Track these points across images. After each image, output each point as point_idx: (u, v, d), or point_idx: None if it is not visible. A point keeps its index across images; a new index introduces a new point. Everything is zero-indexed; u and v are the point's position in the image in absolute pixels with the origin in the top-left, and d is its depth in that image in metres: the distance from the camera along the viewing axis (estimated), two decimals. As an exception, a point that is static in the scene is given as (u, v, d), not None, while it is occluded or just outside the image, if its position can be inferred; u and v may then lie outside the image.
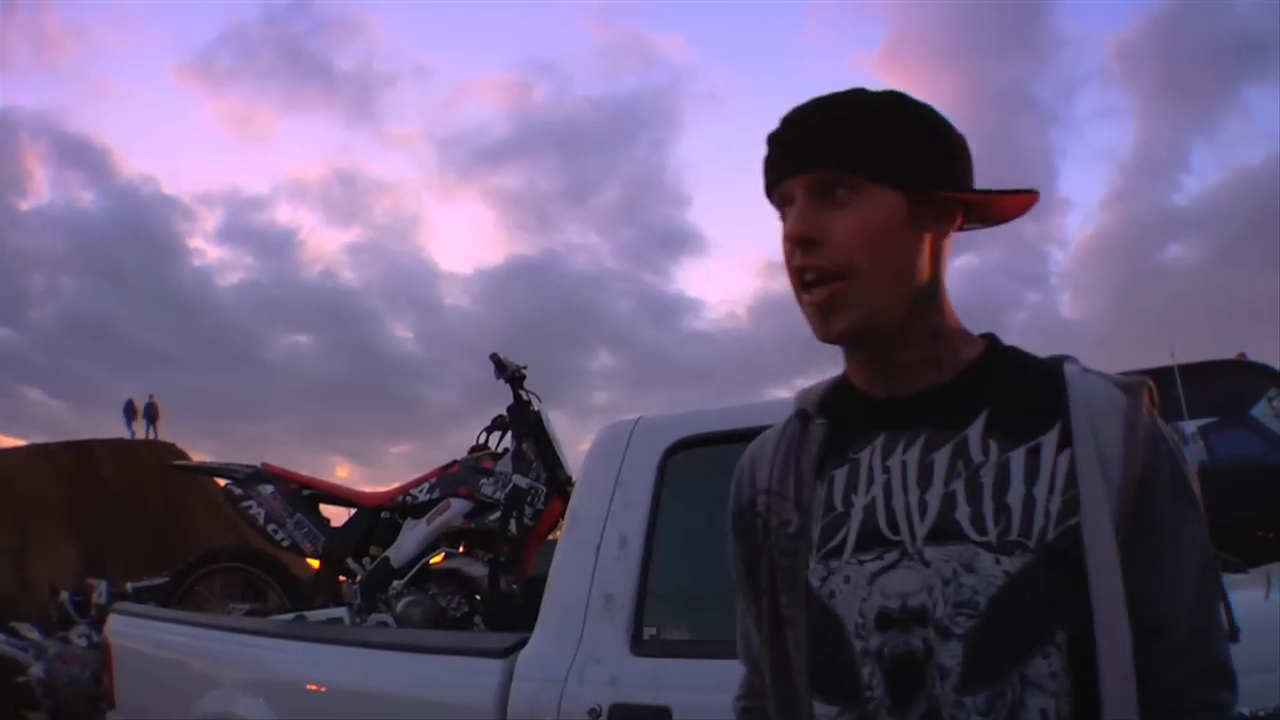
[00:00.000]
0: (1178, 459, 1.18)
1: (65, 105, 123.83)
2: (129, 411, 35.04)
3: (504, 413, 4.82)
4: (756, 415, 2.80)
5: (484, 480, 4.62)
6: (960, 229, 1.31)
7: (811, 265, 1.21)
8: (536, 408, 4.81)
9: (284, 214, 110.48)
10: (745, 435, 2.68)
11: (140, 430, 34.62)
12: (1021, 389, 1.21)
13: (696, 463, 2.78)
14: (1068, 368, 1.22)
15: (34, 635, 10.58)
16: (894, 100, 1.26)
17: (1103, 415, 1.16)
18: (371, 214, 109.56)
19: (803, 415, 1.34)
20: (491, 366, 4.82)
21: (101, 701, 4.26)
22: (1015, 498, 1.14)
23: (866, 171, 1.20)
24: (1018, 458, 1.16)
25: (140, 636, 4.12)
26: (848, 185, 1.20)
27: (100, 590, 10.55)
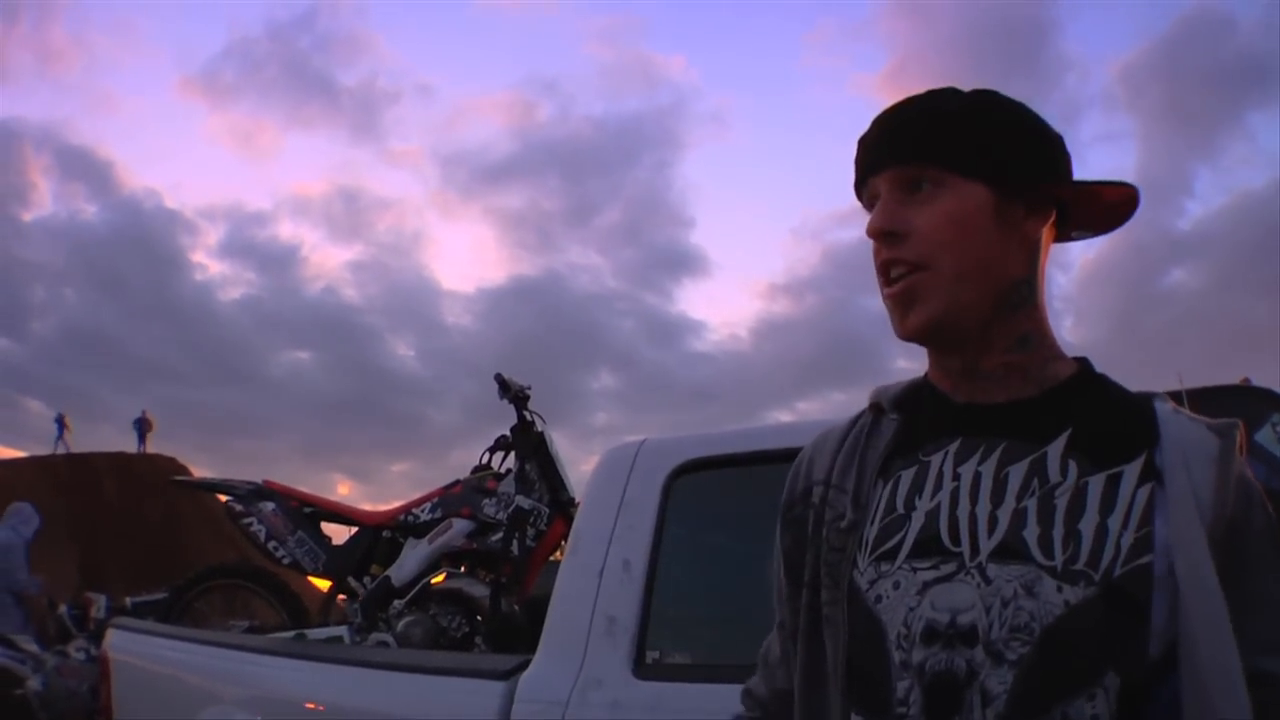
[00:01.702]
0: (1268, 508, 1.14)
1: (69, 117, 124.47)
2: (140, 425, 35.02)
3: (507, 433, 4.80)
4: (762, 439, 2.81)
5: (486, 500, 4.61)
6: (1070, 238, 1.29)
7: (895, 258, 1.19)
8: (540, 428, 4.79)
9: (286, 230, 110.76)
10: (750, 459, 2.71)
11: (133, 445, 34.63)
12: (1109, 415, 1.17)
13: (701, 486, 2.77)
14: (1158, 404, 1.18)
15: (32, 648, 10.52)
16: (981, 95, 1.24)
17: (1195, 457, 1.11)
18: (374, 231, 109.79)
19: (876, 409, 1.31)
20: (495, 387, 4.81)
21: (99, 716, 4.24)
22: (1088, 525, 1.09)
23: (950, 164, 1.18)
24: (1096, 484, 1.11)
25: (138, 651, 4.09)
26: (931, 179, 1.19)
27: (99, 604, 10.50)
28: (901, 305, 1.20)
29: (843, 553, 1.20)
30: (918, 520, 1.16)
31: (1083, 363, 1.26)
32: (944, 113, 1.22)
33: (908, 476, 1.20)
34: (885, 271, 1.21)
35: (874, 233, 1.21)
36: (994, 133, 1.21)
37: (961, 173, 1.18)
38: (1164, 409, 1.18)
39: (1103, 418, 1.17)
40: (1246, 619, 1.06)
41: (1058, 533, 1.09)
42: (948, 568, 1.12)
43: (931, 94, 1.25)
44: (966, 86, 1.26)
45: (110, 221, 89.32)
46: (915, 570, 1.14)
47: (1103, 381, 1.24)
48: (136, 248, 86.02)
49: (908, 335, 1.21)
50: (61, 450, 33.98)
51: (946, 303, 1.17)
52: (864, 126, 1.29)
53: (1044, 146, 1.24)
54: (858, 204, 1.27)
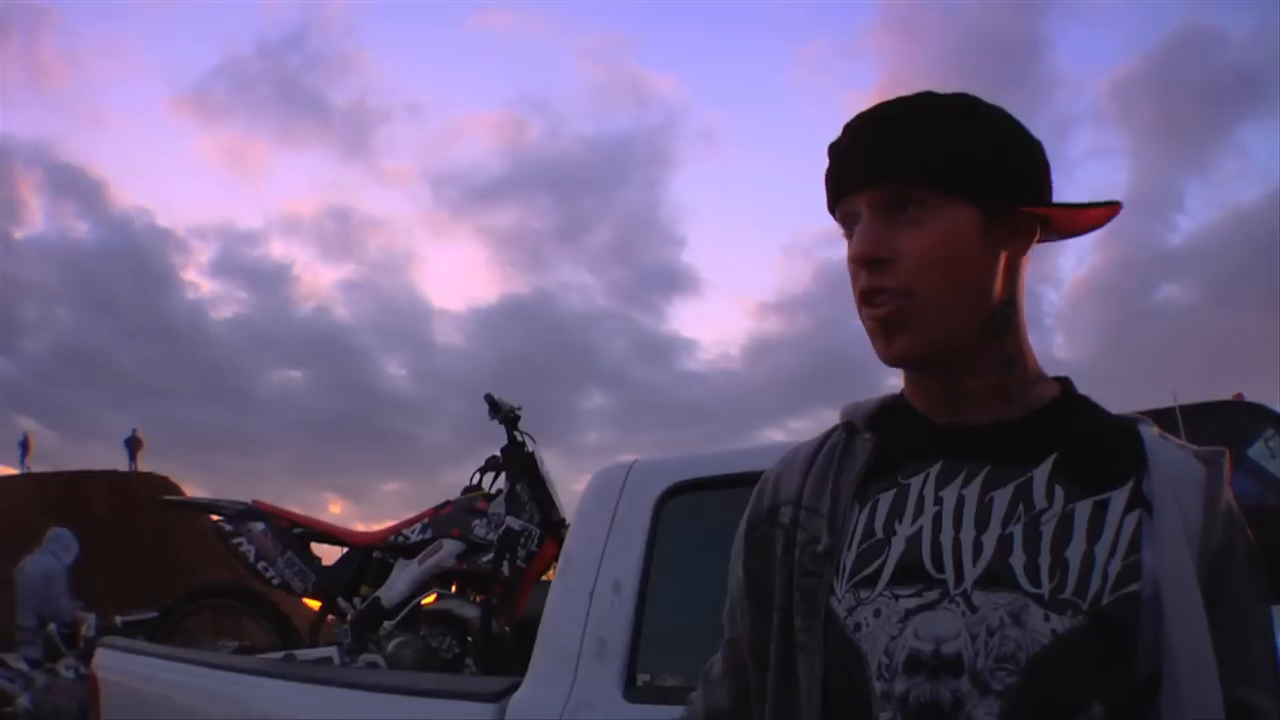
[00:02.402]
0: (1249, 537, 1.12)
1: (60, 135, 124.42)
2: (130, 444, 34.94)
3: (498, 453, 4.80)
4: (752, 460, 2.79)
5: (477, 521, 4.60)
6: (1038, 241, 1.22)
7: (878, 286, 1.13)
8: (531, 449, 4.79)
9: (278, 249, 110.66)
10: (741, 480, 2.68)
11: (124, 463, 34.56)
12: (1095, 440, 1.14)
13: (692, 507, 2.75)
14: (1144, 429, 1.15)
15: (21, 666, 10.49)
16: (965, 105, 1.18)
17: (1183, 484, 1.09)
18: (365, 250, 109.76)
19: (849, 428, 1.26)
20: (486, 407, 4.81)
21: (87, 736, 4.22)
22: (1075, 553, 1.05)
23: (938, 185, 1.12)
24: (1083, 510, 1.08)
25: (128, 671, 4.07)
26: (918, 200, 1.13)
27: (89, 622, 10.44)
28: (885, 330, 1.15)
29: (819, 578, 1.16)
30: (898, 545, 1.12)
31: (1065, 383, 1.22)
32: (927, 126, 1.15)
33: (886, 500, 1.16)
34: (867, 298, 1.15)
35: (858, 259, 1.14)
36: (981, 149, 1.15)
37: (949, 192, 1.13)
38: (1150, 434, 1.15)
39: (1089, 442, 1.14)
40: (1227, 648, 1.04)
41: (1044, 560, 1.06)
42: (931, 595, 1.08)
43: (908, 101, 1.19)
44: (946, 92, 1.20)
45: (102, 240, 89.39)
46: (897, 598, 1.10)
47: (1086, 404, 1.21)
48: (128, 266, 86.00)
49: (893, 361, 1.17)
50: (22, 471, 33.96)
51: (934, 331, 1.13)
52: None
53: (1031, 164, 1.19)
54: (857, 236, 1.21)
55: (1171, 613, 1.03)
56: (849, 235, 1.18)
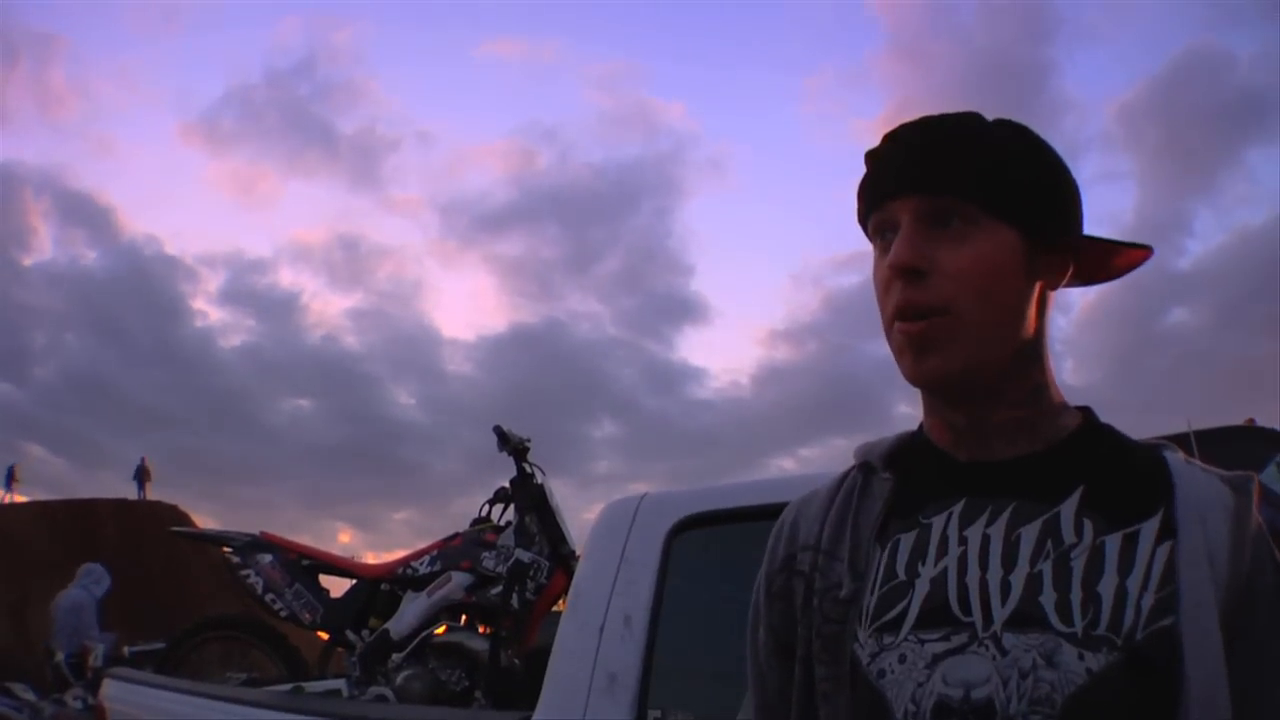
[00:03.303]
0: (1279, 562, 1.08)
1: (69, 162, 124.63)
2: (139, 475, 34.89)
3: (506, 485, 4.79)
4: (764, 492, 2.78)
5: (486, 553, 4.58)
6: (1066, 284, 1.20)
7: (914, 300, 1.10)
8: (540, 480, 4.78)
9: (286, 277, 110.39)
10: (752, 513, 2.68)
11: (133, 492, 34.50)
12: (1121, 470, 1.11)
13: (703, 541, 2.74)
14: (1169, 455, 1.12)
15: (29, 696, 10.48)
16: (1018, 132, 1.16)
17: (1210, 511, 1.05)
18: (374, 279, 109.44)
19: (866, 469, 1.23)
20: (495, 438, 4.80)
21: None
22: (1107, 588, 1.02)
23: (988, 204, 1.10)
24: (1113, 543, 1.04)
25: (135, 702, 4.06)
26: (964, 215, 1.10)
27: (97, 653, 10.45)
28: (915, 348, 1.11)
29: (841, 625, 1.12)
30: (922, 588, 1.09)
31: (1086, 413, 1.20)
32: (980, 143, 1.13)
33: (907, 541, 1.13)
34: (902, 312, 1.11)
35: (897, 267, 1.10)
36: (1033, 175, 1.14)
37: (997, 215, 1.10)
38: (1176, 461, 1.12)
39: (1115, 473, 1.11)
40: (1256, 677, 1.02)
41: (1076, 597, 1.02)
42: (959, 639, 1.05)
43: (960, 118, 1.17)
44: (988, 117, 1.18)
45: (110, 267, 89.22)
46: (923, 642, 1.06)
47: (1110, 433, 1.18)
48: (137, 294, 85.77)
49: (920, 381, 1.14)
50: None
51: (967, 354, 1.10)
52: (863, 171, 1.20)
53: (1072, 198, 1.17)
54: (858, 249, 1.17)
55: (1187, 647, 1.00)
56: (881, 247, 1.15)
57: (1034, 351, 1.15)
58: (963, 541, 1.10)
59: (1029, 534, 1.07)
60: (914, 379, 1.14)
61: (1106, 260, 1.21)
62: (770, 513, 2.54)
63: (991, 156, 1.12)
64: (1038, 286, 1.15)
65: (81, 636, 9.58)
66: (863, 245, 1.21)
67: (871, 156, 1.19)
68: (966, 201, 1.10)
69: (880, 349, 1.16)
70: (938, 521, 1.12)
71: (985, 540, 1.09)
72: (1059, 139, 1.20)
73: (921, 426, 1.23)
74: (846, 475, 1.26)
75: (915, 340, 1.11)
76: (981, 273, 1.09)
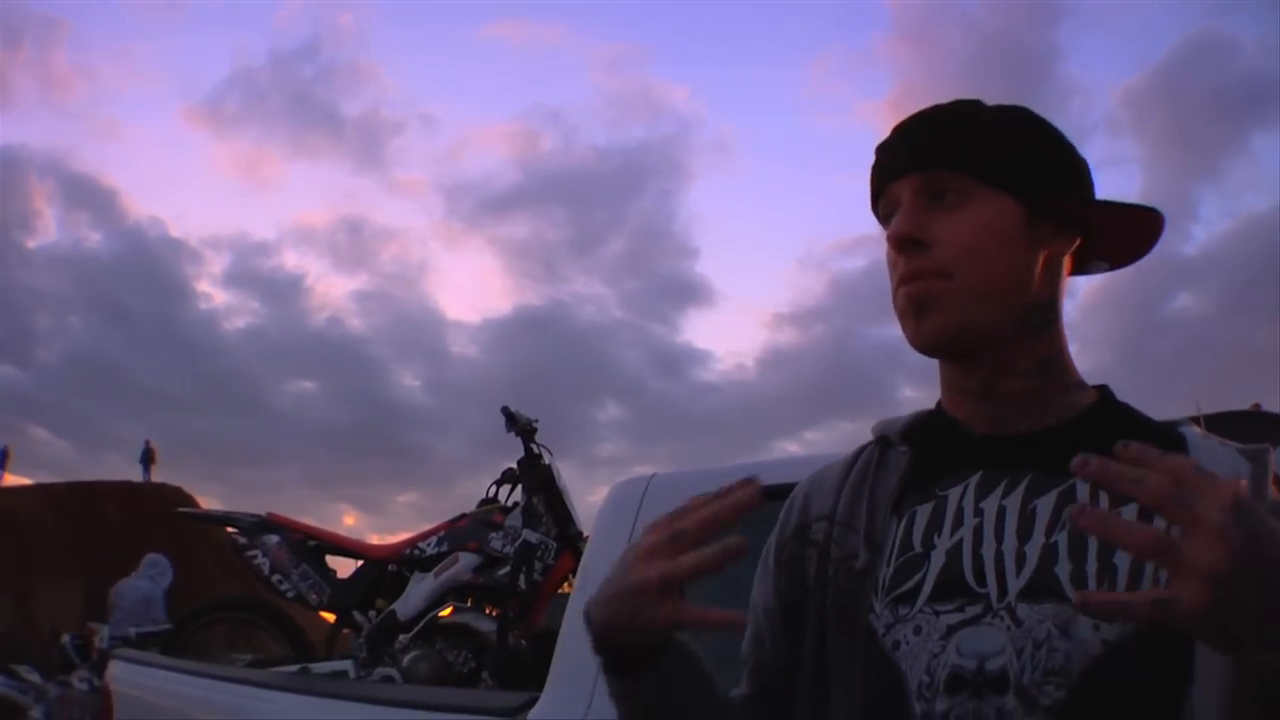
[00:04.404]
0: None
1: (73, 145, 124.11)
2: (145, 457, 34.95)
3: (514, 466, 4.78)
4: (772, 473, 2.75)
5: (493, 534, 4.57)
6: (1088, 270, 1.23)
7: (916, 269, 1.13)
8: (548, 461, 4.77)
9: (291, 259, 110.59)
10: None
11: (138, 475, 34.56)
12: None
13: (711, 521, 2.72)
14: (1187, 430, 1.12)
15: (34, 678, 10.53)
16: (1011, 109, 1.20)
17: None
18: (378, 261, 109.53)
19: (882, 442, 1.24)
20: (502, 419, 4.79)
21: (100, 750, 4.20)
22: (1123, 559, 1.01)
23: (979, 173, 1.13)
24: (1129, 515, 1.00)
25: (141, 684, 4.06)
26: (958, 187, 1.14)
27: (102, 634, 10.48)
28: (914, 310, 1.14)
29: (857, 597, 1.13)
30: (938, 559, 1.09)
31: (1104, 391, 1.20)
32: (974, 120, 1.17)
33: (924, 513, 1.13)
34: (905, 281, 1.15)
35: (896, 238, 1.15)
36: (1026, 144, 1.16)
37: (991, 183, 1.13)
38: (1193, 435, 1.13)
39: None
40: None
41: (1091, 568, 1.02)
42: (974, 610, 1.05)
43: (958, 102, 1.21)
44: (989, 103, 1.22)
45: (115, 250, 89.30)
46: (938, 614, 1.06)
47: (1128, 410, 1.18)
48: (141, 276, 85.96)
49: (922, 343, 1.15)
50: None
51: (963, 316, 1.12)
52: (869, 154, 1.24)
53: (1072, 164, 1.19)
54: (863, 232, 1.24)
55: None
56: (888, 230, 1.18)
57: (1041, 320, 1.16)
58: (978, 513, 1.10)
59: (1045, 505, 1.07)
60: (916, 341, 1.16)
61: (1121, 230, 1.21)
62: (778, 494, 2.53)
63: (980, 129, 1.16)
64: (1043, 254, 1.16)
65: (150, 624, 9.61)
66: (868, 228, 1.29)
67: (879, 148, 1.22)
68: (956, 172, 1.14)
69: (886, 332, 1.23)
70: (954, 494, 1.13)
71: (1001, 512, 1.09)
72: (1064, 123, 1.23)
73: (939, 404, 1.24)
74: (863, 450, 1.26)
75: (915, 300, 1.13)
76: (977, 238, 1.12)
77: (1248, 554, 0.81)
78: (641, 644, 1.12)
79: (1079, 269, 1.24)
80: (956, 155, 1.14)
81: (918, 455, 1.20)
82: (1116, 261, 1.26)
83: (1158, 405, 1.18)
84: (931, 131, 1.18)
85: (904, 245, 1.14)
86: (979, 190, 1.13)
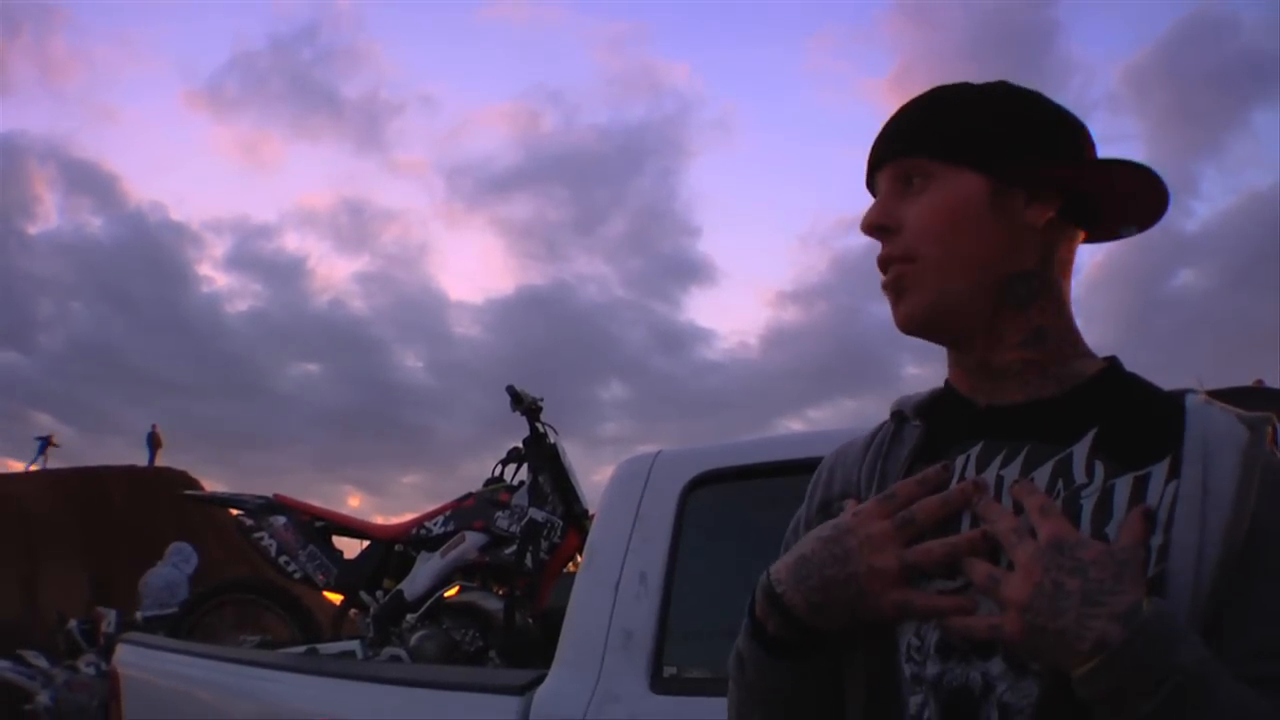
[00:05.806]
0: None
1: (73, 130, 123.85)
2: (151, 441, 34.96)
3: (519, 445, 4.78)
4: (778, 449, 2.78)
5: (500, 514, 4.57)
6: (1117, 235, 1.24)
7: (887, 254, 1.18)
8: (553, 440, 4.77)
9: (292, 242, 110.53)
10: (766, 470, 2.67)
11: (143, 459, 34.58)
12: (1137, 414, 1.11)
13: (717, 497, 2.73)
14: (1189, 397, 1.11)
15: (41, 663, 10.55)
16: (988, 85, 1.21)
17: (1218, 447, 1.04)
18: (380, 243, 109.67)
19: (898, 417, 1.26)
20: (506, 398, 4.79)
21: (109, 732, 4.22)
22: (1116, 528, 1.02)
23: (936, 153, 1.16)
24: (1123, 485, 1.04)
25: (149, 667, 4.07)
26: (920, 171, 1.17)
27: (109, 619, 10.50)
28: (893, 294, 1.19)
29: None
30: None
31: (1112, 361, 1.19)
32: (941, 104, 1.20)
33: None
34: (881, 266, 1.20)
35: (864, 228, 1.20)
36: (986, 118, 1.17)
37: (949, 161, 1.16)
38: (1194, 401, 1.11)
39: (1131, 417, 1.10)
40: (1258, 623, 0.99)
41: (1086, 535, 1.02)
42: (964, 577, 1.06)
43: (935, 89, 1.23)
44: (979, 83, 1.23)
45: (116, 235, 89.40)
46: (929, 580, 1.08)
47: (1132, 380, 1.18)
48: (143, 261, 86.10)
49: (902, 327, 1.19)
50: (36, 467, 33.87)
51: (933, 295, 1.15)
52: (871, 131, 1.27)
53: (1043, 128, 1.18)
54: (864, 211, 1.24)
55: (1169, 586, 0.99)
56: None
57: (1028, 292, 1.16)
58: None
59: (1041, 475, 1.09)
60: (899, 325, 1.20)
61: (1129, 187, 1.19)
62: (784, 469, 2.54)
63: (942, 111, 1.20)
64: (1019, 225, 1.15)
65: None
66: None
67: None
68: (916, 157, 1.18)
69: (889, 310, 1.22)
70: (957, 464, 1.15)
71: (999, 481, 1.10)
72: (1066, 100, 1.23)
73: (948, 380, 1.25)
74: (882, 426, 1.28)
75: (891, 288, 1.19)
76: (936, 218, 1.15)
77: (1048, 590, 0.96)
78: (838, 630, 1.13)
79: (1106, 235, 1.25)
80: (917, 140, 1.18)
81: (930, 429, 1.22)
82: (1142, 221, 1.24)
83: (1160, 382, 1.18)
84: (900, 121, 1.22)
85: (873, 234, 1.20)
86: (942, 170, 1.16)
